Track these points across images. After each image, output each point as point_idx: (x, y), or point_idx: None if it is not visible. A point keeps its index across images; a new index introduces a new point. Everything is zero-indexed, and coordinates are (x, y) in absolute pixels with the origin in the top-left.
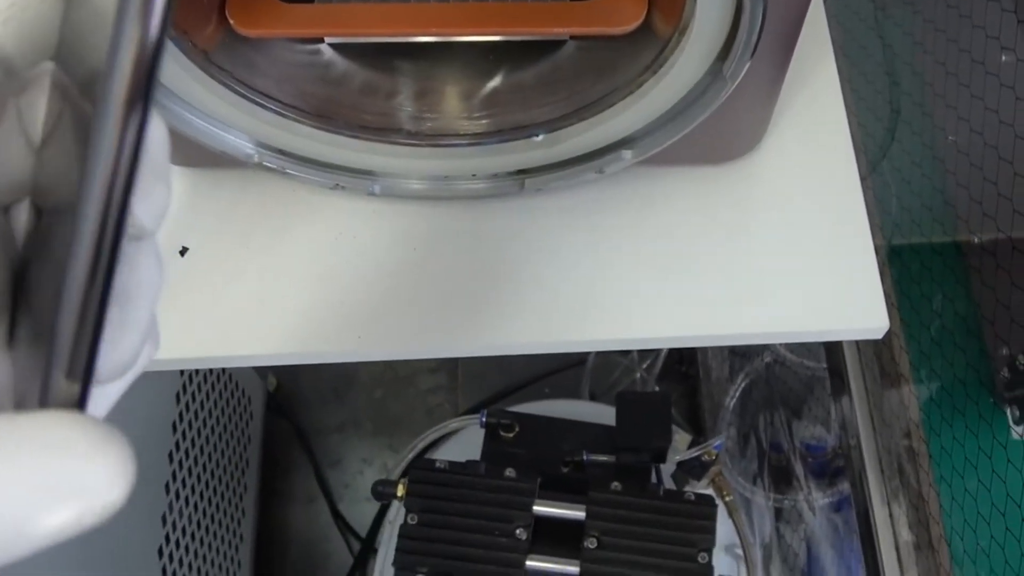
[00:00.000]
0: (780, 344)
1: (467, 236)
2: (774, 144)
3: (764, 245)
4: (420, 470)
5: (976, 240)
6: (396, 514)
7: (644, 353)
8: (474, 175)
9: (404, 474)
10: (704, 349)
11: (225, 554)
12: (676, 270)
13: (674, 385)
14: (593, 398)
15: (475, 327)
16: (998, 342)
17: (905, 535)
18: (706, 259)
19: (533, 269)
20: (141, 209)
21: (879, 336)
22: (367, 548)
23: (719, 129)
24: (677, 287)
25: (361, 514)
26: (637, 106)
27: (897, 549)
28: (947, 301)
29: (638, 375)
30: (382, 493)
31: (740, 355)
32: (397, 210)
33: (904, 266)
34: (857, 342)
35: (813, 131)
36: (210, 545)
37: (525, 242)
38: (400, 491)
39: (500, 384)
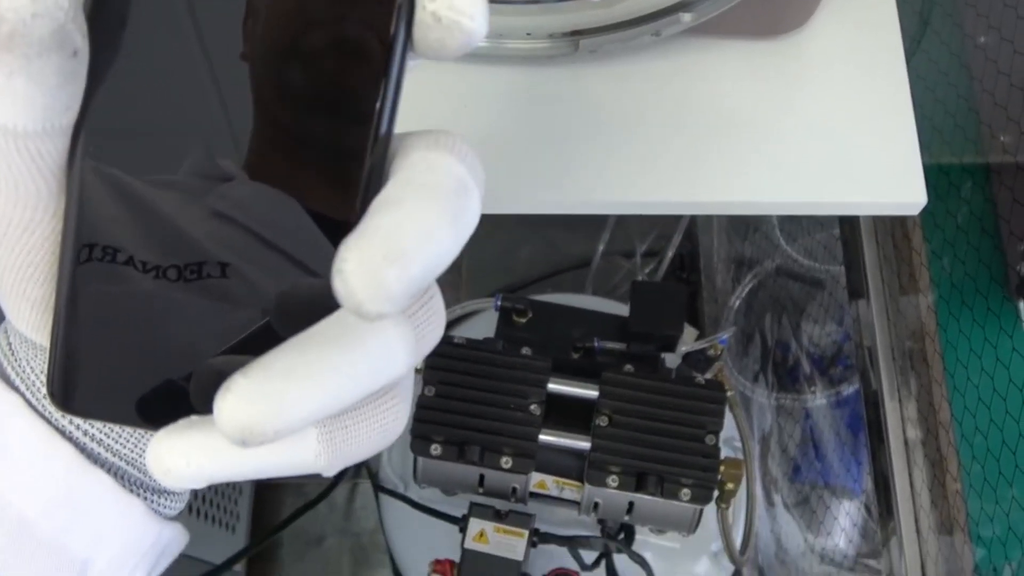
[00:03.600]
0: (791, 247)
1: (518, 99)
2: (823, 21)
3: (808, 119)
4: (439, 344)
5: (1001, 138)
6: None
7: (647, 258)
8: (528, 34)
9: None
10: (709, 255)
11: None
12: (722, 140)
13: None
14: None
15: (522, 187)
16: (1013, 238)
17: (913, 432)
18: (751, 130)
19: (581, 133)
20: None
21: (915, 212)
22: None
23: None
24: (722, 156)
25: None
26: None
27: (906, 444)
28: (973, 188)
29: (640, 279)
30: None
31: (746, 265)
32: (448, 68)
33: (928, 158)
34: (877, 239)
35: (861, 9)
36: None
37: (575, 106)
38: (419, 364)
39: (504, 282)
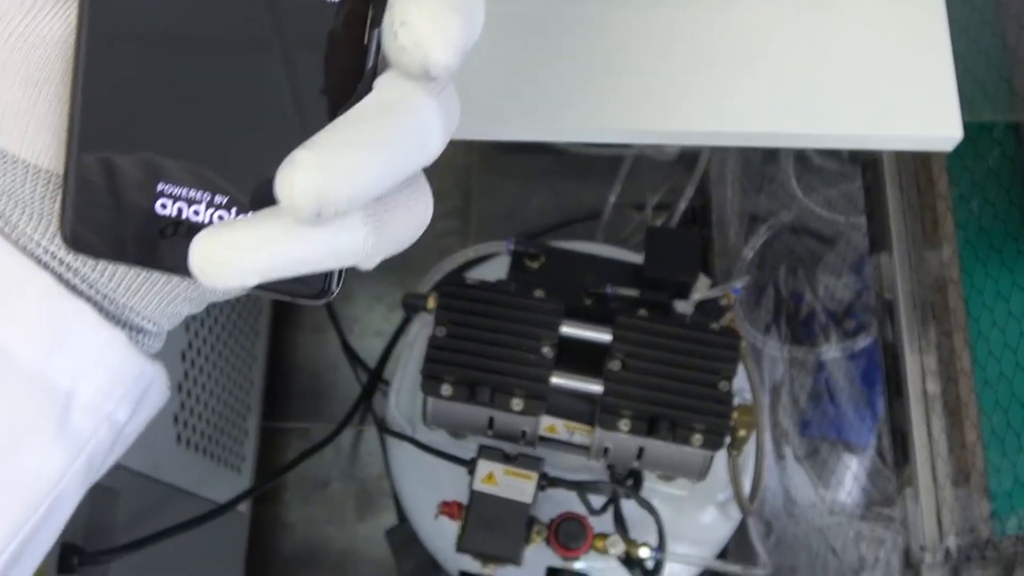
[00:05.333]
0: (808, 198)
1: (541, 24)
2: None
3: (842, 51)
4: (451, 285)
5: None
6: (416, 336)
7: (659, 210)
8: None
9: (433, 290)
10: (722, 207)
11: (239, 371)
12: (751, 69)
13: None
14: None
15: (544, 112)
16: None
17: (932, 385)
18: (781, 59)
19: (606, 60)
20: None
21: (950, 147)
22: (375, 378)
23: None
24: (751, 86)
25: (369, 347)
26: None
27: (925, 396)
28: (1005, 130)
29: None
30: (412, 305)
31: (760, 218)
32: None
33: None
34: (901, 184)
35: None
36: (227, 360)
37: (600, 32)
38: (430, 304)
39: (513, 231)
